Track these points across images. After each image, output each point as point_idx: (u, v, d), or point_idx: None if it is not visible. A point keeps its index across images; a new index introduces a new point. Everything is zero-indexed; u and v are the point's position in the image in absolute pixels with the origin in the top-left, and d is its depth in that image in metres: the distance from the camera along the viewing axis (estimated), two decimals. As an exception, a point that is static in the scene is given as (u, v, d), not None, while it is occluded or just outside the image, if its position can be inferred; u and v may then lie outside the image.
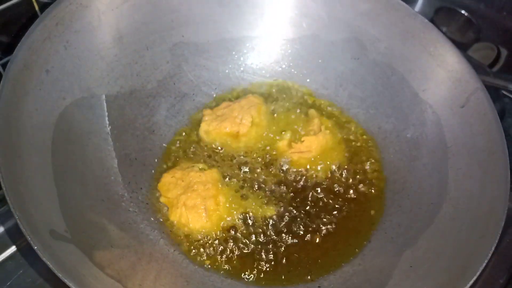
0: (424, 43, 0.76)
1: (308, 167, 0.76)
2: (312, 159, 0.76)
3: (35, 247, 0.48)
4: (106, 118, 0.71)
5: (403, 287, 0.60)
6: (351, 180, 0.76)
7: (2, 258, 0.66)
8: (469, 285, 0.55)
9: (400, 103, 0.78)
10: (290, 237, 0.69)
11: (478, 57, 1.05)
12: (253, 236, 0.68)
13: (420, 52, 0.76)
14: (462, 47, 0.74)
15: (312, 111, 0.81)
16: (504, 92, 0.95)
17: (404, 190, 0.73)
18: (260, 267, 0.66)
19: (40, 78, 0.62)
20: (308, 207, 0.72)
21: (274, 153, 0.77)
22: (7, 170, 0.53)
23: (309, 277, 0.66)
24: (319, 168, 0.76)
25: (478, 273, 0.55)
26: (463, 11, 1.06)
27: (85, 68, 0.69)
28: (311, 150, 0.76)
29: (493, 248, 0.57)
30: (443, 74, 0.74)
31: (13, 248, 0.67)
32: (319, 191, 0.74)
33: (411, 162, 0.75)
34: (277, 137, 0.78)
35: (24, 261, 0.66)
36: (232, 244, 0.68)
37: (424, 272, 0.61)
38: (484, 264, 0.56)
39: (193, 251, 0.66)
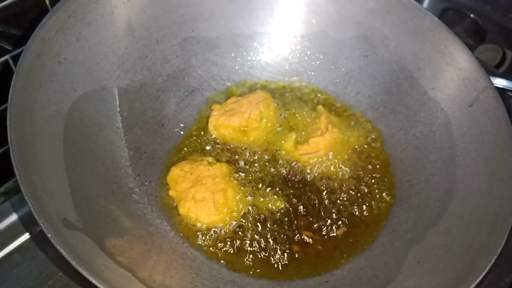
0: (434, 41, 0.76)
1: (316, 165, 0.76)
2: (320, 158, 0.77)
3: (49, 235, 0.49)
4: (117, 111, 0.72)
5: (411, 282, 0.61)
6: (359, 177, 0.76)
7: (15, 246, 0.67)
8: (477, 281, 0.55)
9: (409, 101, 0.78)
10: (298, 233, 0.69)
11: (484, 58, 1.06)
12: (261, 230, 0.69)
13: (429, 50, 0.77)
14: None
15: (320, 107, 0.81)
16: (510, 93, 0.95)
17: (412, 187, 0.73)
18: (267, 261, 0.67)
19: (52, 69, 0.63)
20: (315, 203, 0.72)
21: (283, 152, 0.77)
22: (21, 159, 0.53)
23: (317, 272, 0.66)
24: (327, 165, 0.76)
25: (486, 270, 0.55)
26: (469, 13, 1.07)
27: (96, 61, 0.70)
28: (318, 150, 0.76)
29: (501, 246, 0.57)
30: (452, 72, 0.74)
31: (26, 236, 0.68)
32: (326, 188, 0.74)
33: (419, 159, 0.75)
34: (284, 132, 0.79)
35: (36, 250, 0.67)
36: (240, 238, 0.68)
37: (431, 268, 0.61)
38: (492, 261, 0.56)
39: (202, 244, 0.67)
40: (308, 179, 0.75)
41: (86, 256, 0.52)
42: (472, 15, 1.07)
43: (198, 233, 0.68)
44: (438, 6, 1.11)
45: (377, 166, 0.77)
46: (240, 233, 0.68)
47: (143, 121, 0.75)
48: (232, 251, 0.67)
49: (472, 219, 0.64)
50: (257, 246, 0.68)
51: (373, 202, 0.73)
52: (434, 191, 0.71)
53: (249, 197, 0.71)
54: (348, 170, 0.76)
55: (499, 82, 0.91)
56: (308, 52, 0.85)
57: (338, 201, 0.73)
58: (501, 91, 0.91)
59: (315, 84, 0.86)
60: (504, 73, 1.03)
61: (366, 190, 0.74)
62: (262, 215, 0.70)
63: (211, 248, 0.67)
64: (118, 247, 0.58)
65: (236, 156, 0.76)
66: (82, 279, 0.50)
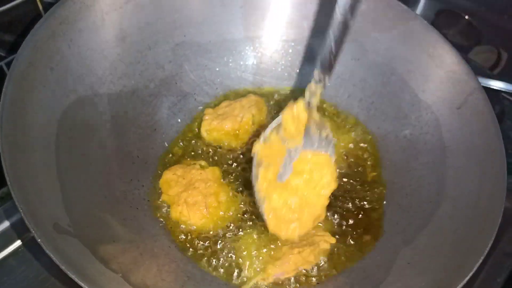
0: (423, 44, 0.77)
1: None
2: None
3: (39, 240, 0.49)
4: (109, 116, 0.72)
5: (401, 283, 0.61)
6: (350, 180, 0.76)
7: (7, 252, 0.67)
8: (465, 281, 0.55)
9: (400, 104, 0.79)
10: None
11: (479, 60, 1.06)
12: (253, 233, 0.69)
13: (419, 53, 0.77)
14: (463, 50, 0.75)
15: (312, 111, 0.82)
16: (504, 95, 0.96)
17: (403, 188, 0.74)
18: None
19: (44, 75, 0.63)
20: (307, 205, 0.72)
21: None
22: (12, 165, 0.54)
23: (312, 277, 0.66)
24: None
25: (474, 270, 0.56)
26: (464, 14, 1.07)
27: (88, 67, 0.70)
28: (309, 152, 0.77)
29: (489, 245, 0.58)
30: (442, 74, 0.75)
31: (18, 243, 0.68)
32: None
33: (410, 161, 0.75)
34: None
35: (28, 256, 0.67)
36: (232, 241, 0.68)
37: (421, 268, 0.62)
38: (480, 261, 0.57)
39: (194, 248, 0.67)
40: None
41: (77, 260, 0.52)
42: (467, 17, 1.07)
43: (190, 237, 0.68)
44: (433, 8, 1.12)
45: (369, 168, 0.77)
46: (231, 236, 0.68)
47: (136, 126, 0.76)
48: (223, 255, 0.67)
49: (463, 219, 0.64)
50: (250, 250, 0.68)
51: (364, 204, 0.74)
52: (425, 192, 0.71)
53: (241, 201, 0.72)
54: (340, 172, 0.76)
55: (494, 84, 0.91)
56: (300, 56, 0.86)
57: (330, 204, 0.73)
58: (496, 92, 0.92)
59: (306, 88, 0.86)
60: (499, 75, 1.03)
61: (357, 192, 0.75)
62: (255, 219, 0.70)
63: (202, 252, 0.67)
64: (110, 251, 0.58)
65: (229, 160, 0.77)
66: (74, 285, 0.50)
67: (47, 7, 0.69)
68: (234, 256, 0.67)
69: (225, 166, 0.76)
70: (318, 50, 0.85)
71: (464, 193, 0.67)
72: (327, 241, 0.67)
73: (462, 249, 0.61)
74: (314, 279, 0.66)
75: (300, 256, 0.65)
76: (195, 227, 0.69)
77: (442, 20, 1.12)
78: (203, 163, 0.74)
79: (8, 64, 0.71)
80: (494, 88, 0.92)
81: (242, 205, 0.71)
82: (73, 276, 0.49)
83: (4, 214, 0.70)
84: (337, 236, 0.69)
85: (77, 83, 0.68)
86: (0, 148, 0.54)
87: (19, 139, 0.57)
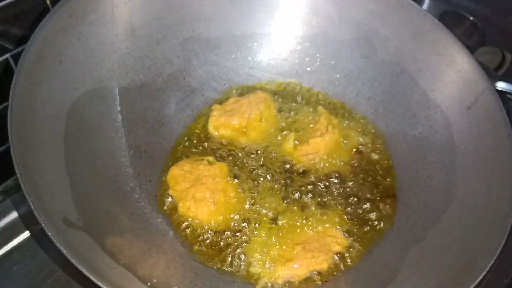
0: (434, 43, 0.77)
1: (316, 165, 0.76)
2: (322, 159, 0.77)
3: (50, 233, 0.49)
4: (117, 110, 0.72)
5: (410, 282, 0.61)
6: (358, 179, 0.76)
7: (14, 244, 0.67)
8: (476, 282, 0.55)
9: (409, 103, 0.79)
10: (298, 233, 0.69)
11: (483, 61, 1.06)
12: (262, 230, 0.69)
13: (429, 52, 0.77)
14: (467, 50, 0.76)
15: (320, 108, 0.82)
16: (509, 96, 0.96)
17: (411, 188, 0.73)
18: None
19: (53, 68, 0.63)
20: (316, 204, 0.72)
21: (282, 152, 0.78)
22: (22, 158, 0.54)
23: (316, 273, 0.66)
24: (327, 166, 0.77)
25: (486, 270, 0.56)
26: (468, 16, 1.07)
27: (97, 60, 0.70)
28: (318, 151, 0.77)
29: (501, 246, 0.57)
30: (452, 74, 0.75)
31: (25, 235, 0.68)
32: (327, 189, 0.74)
33: (419, 160, 0.75)
34: (284, 133, 0.79)
35: (35, 248, 0.67)
36: (239, 237, 0.68)
37: (430, 268, 0.61)
38: (492, 262, 0.56)
39: (201, 244, 0.67)
40: (308, 180, 0.75)
41: (86, 254, 0.52)
42: (472, 18, 1.07)
43: (198, 233, 0.68)
44: (438, 9, 1.11)
45: (377, 167, 0.77)
46: (239, 233, 0.68)
47: (144, 120, 0.75)
48: (231, 251, 0.67)
49: (471, 219, 0.64)
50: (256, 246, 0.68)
51: (372, 203, 0.73)
52: (434, 192, 0.71)
53: (249, 197, 0.71)
54: (347, 171, 0.76)
55: (499, 85, 0.91)
56: (308, 53, 0.86)
57: (338, 202, 0.73)
58: (500, 93, 0.91)
59: (315, 85, 0.86)
60: (503, 76, 1.03)
61: (365, 191, 0.74)
62: (262, 215, 0.70)
63: (210, 248, 0.67)
64: (118, 245, 0.58)
65: (236, 156, 0.76)
66: (81, 278, 0.50)
67: (55, 1, 0.69)
68: (242, 253, 0.66)
69: (232, 162, 0.75)
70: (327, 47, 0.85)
71: (472, 193, 0.67)
72: (339, 244, 0.67)
73: (471, 249, 0.60)
74: (321, 277, 0.66)
75: (314, 261, 0.64)
76: (202, 222, 0.68)
77: (447, 21, 1.11)
78: (210, 158, 0.74)
79: (15, 57, 0.70)
80: (499, 89, 0.92)
81: (250, 201, 0.71)
82: (83, 270, 0.49)
83: (13, 206, 0.70)
84: (345, 234, 0.69)
85: (86, 76, 0.68)
86: (10, 141, 0.53)
87: (29, 132, 0.57)
